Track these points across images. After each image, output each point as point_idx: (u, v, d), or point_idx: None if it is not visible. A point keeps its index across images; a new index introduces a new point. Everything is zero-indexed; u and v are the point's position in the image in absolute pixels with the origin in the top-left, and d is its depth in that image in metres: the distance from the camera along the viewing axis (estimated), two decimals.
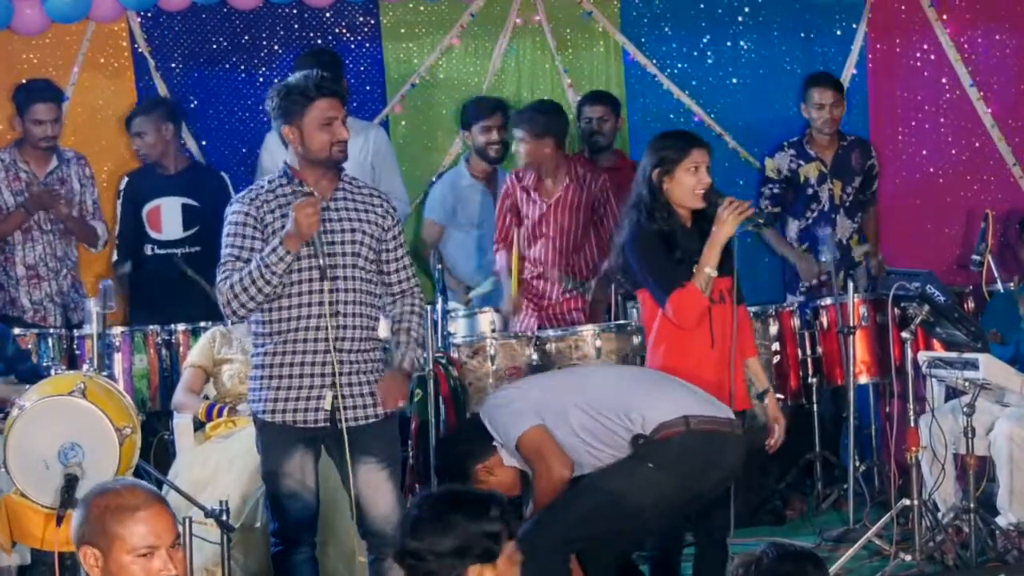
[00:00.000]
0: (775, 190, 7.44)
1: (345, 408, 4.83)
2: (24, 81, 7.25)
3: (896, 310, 6.23)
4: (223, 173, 7.52)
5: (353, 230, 4.87)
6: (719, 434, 4.91)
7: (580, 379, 5.24)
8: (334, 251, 4.84)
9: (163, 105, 7.34)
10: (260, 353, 4.89)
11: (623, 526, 4.94)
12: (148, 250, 7.24)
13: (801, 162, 7.45)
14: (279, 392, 4.84)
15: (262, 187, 4.92)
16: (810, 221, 7.42)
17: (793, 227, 7.47)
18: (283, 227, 4.77)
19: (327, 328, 4.80)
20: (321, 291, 4.80)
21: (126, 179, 7.31)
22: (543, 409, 4.95)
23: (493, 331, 6.66)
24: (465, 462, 5.05)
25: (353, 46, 7.88)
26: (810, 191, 7.45)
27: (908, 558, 5.91)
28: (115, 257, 7.30)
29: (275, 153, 7.30)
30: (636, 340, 6.37)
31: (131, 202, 7.25)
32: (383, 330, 5.08)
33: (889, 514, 6.06)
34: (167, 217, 7.24)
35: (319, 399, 4.80)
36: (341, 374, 4.83)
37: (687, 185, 5.29)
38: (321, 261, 4.76)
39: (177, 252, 7.19)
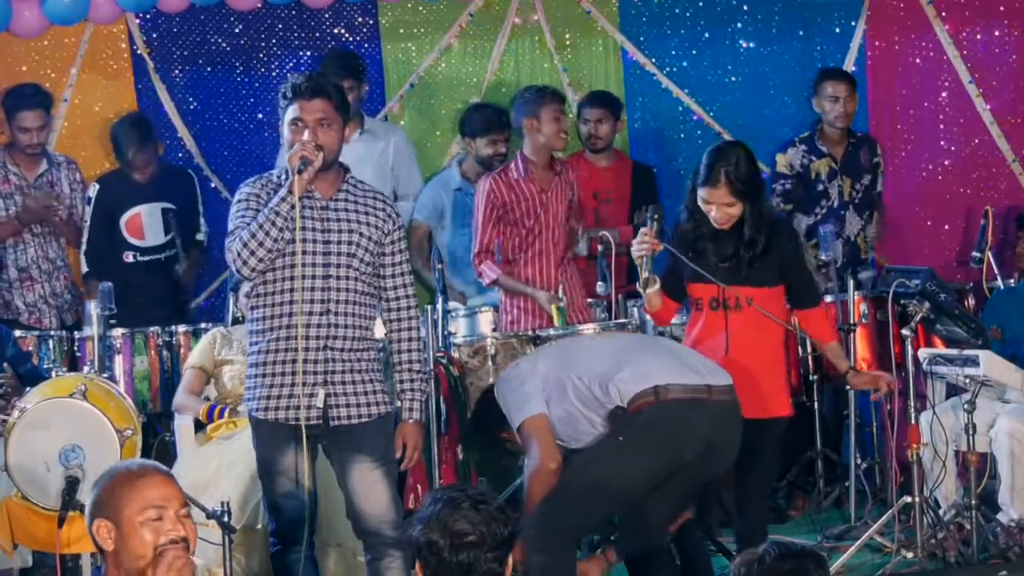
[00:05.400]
0: (787, 186, 7.43)
1: (337, 407, 4.83)
2: (13, 86, 7.24)
3: (896, 307, 6.23)
4: (190, 171, 7.53)
5: (351, 231, 4.87)
6: (691, 401, 4.94)
7: (575, 351, 5.32)
8: (330, 250, 4.84)
9: (148, 127, 7.25)
10: (254, 351, 4.90)
11: (617, 504, 5.01)
12: (129, 257, 7.19)
13: (812, 158, 7.45)
14: (271, 390, 4.83)
15: (271, 179, 4.94)
16: (819, 217, 7.42)
17: (803, 223, 7.46)
18: None
19: (318, 326, 4.81)
20: (313, 289, 4.81)
21: (97, 186, 7.18)
22: (549, 383, 5.09)
23: (493, 331, 6.66)
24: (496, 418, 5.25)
25: (352, 47, 7.87)
26: (820, 187, 7.45)
27: (910, 555, 5.91)
28: (85, 268, 7.18)
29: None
30: None
31: (104, 211, 7.14)
32: (379, 331, 5.08)
33: (890, 511, 6.06)
34: (149, 224, 7.20)
35: (311, 397, 4.80)
36: (333, 372, 4.83)
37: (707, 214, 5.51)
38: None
39: (160, 257, 7.19)
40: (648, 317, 6.70)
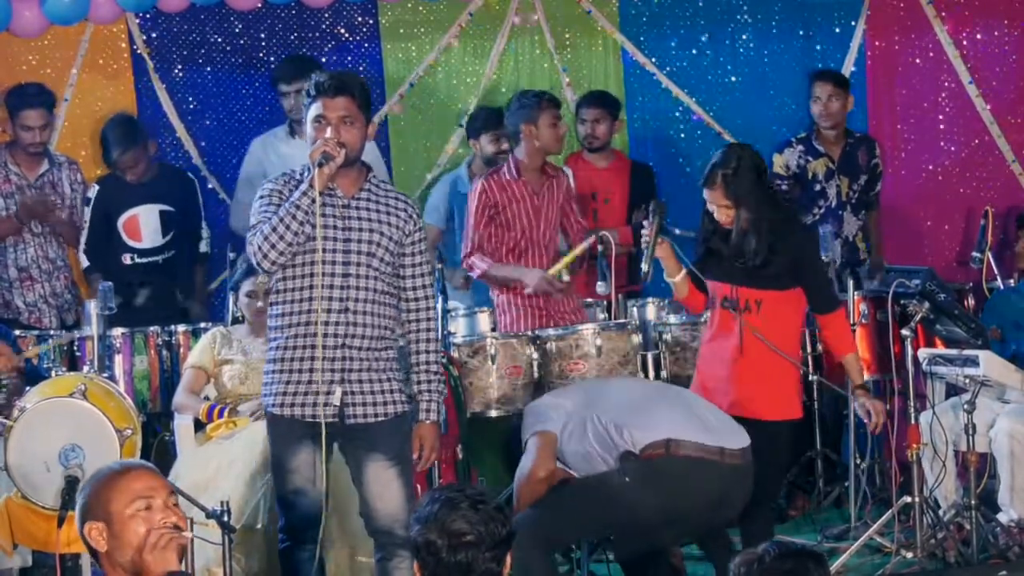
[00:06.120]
0: (783, 186, 7.43)
1: (354, 405, 4.84)
2: (16, 85, 7.23)
3: (896, 307, 6.23)
4: (190, 173, 7.51)
5: (371, 230, 4.88)
6: (701, 461, 4.95)
7: (601, 391, 5.36)
8: (350, 248, 4.85)
9: (134, 128, 7.20)
10: (273, 347, 4.92)
11: (602, 532, 5.12)
12: (127, 259, 7.15)
13: (809, 158, 7.46)
14: (288, 386, 4.85)
15: (293, 175, 4.96)
16: (817, 218, 7.41)
17: None
18: None
19: (337, 324, 4.82)
20: (332, 287, 4.82)
21: (96, 187, 7.16)
22: (573, 418, 5.13)
23: (493, 331, 6.66)
24: None
25: (352, 46, 7.88)
26: (817, 187, 7.45)
27: (909, 555, 5.92)
28: (85, 262, 7.16)
29: (263, 156, 7.33)
30: (636, 339, 6.37)
31: (102, 211, 7.12)
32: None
33: (890, 512, 6.07)
34: (146, 226, 7.17)
35: (328, 394, 4.81)
36: (351, 370, 4.83)
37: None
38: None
39: (159, 259, 7.17)
40: (648, 316, 6.75)
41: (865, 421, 5.66)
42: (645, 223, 5.58)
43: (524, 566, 4.91)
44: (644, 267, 5.56)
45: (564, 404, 5.24)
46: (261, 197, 4.92)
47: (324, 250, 4.80)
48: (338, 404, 4.82)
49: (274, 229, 4.74)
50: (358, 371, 4.85)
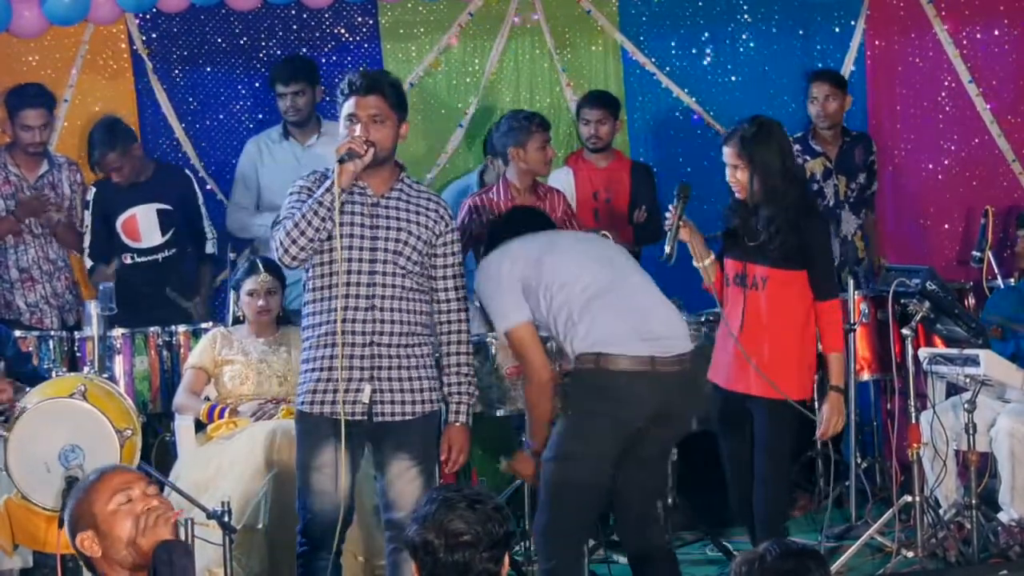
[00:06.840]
0: None
1: (382, 403, 4.85)
2: (16, 85, 7.23)
3: (897, 306, 6.23)
4: (187, 170, 7.48)
5: (399, 229, 4.89)
6: (631, 373, 4.93)
7: (553, 263, 5.15)
8: (377, 246, 4.87)
9: (120, 128, 7.16)
10: (306, 347, 4.94)
11: (599, 481, 4.99)
12: (127, 259, 7.14)
13: (807, 157, 7.46)
14: (318, 384, 4.86)
15: (325, 173, 4.95)
16: None
17: None
18: None
19: (364, 322, 4.83)
20: (359, 284, 4.83)
21: (94, 189, 7.14)
22: (527, 285, 5.08)
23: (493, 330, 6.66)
24: None
25: (352, 46, 7.87)
26: (815, 187, 7.45)
27: (910, 555, 5.92)
28: (89, 263, 7.15)
29: (256, 157, 7.34)
30: None
31: (101, 213, 7.11)
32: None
33: (891, 511, 6.07)
34: (144, 225, 7.16)
35: (357, 392, 4.82)
36: (380, 368, 4.84)
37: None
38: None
39: (158, 257, 7.17)
40: None
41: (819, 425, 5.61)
42: (670, 205, 5.57)
43: (549, 573, 4.93)
44: (667, 249, 5.53)
45: (515, 273, 5.10)
46: (291, 194, 4.95)
47: (351, 248, 4.83)
48: (367, 402, 4.83)
49: (295, 225, 4.77)
50: (387, 368, 4.86)
